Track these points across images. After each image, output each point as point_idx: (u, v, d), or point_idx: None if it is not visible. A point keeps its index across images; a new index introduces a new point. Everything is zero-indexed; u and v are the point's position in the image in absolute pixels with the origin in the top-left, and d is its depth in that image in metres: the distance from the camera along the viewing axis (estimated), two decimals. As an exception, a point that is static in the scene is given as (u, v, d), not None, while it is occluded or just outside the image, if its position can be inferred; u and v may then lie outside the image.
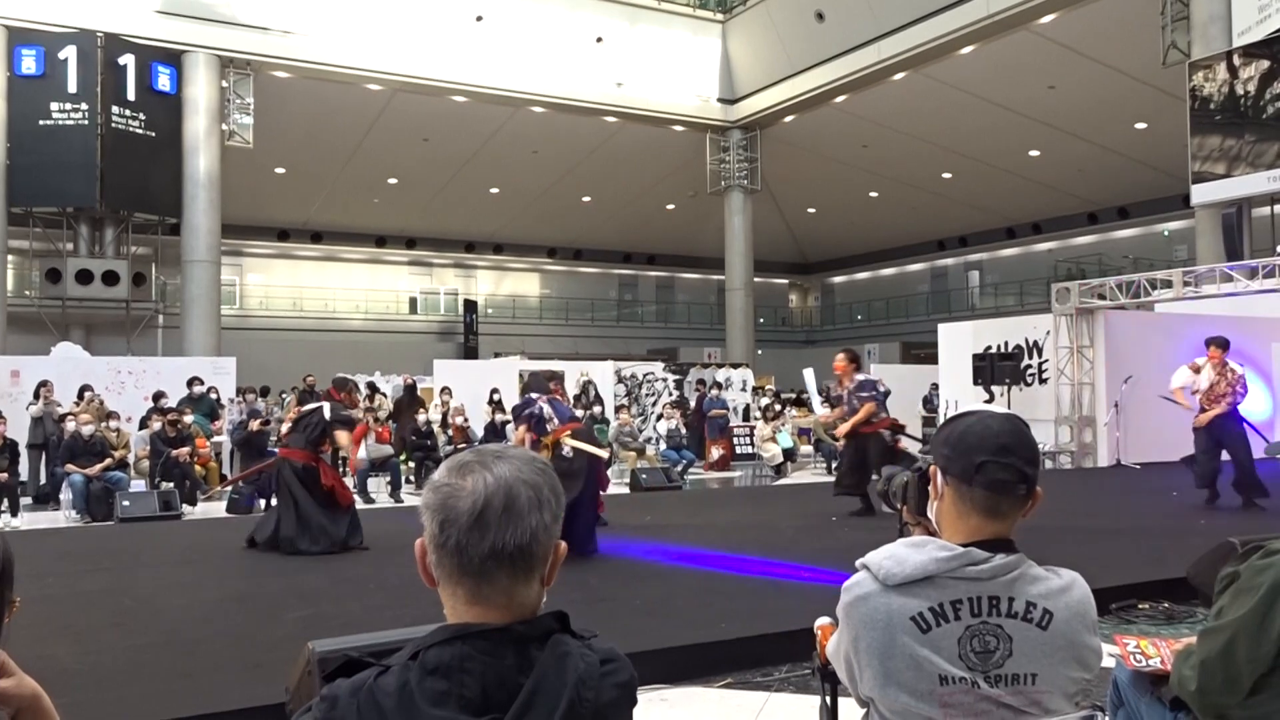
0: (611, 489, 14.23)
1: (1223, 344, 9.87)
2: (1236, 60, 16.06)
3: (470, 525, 1.22)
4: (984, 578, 1.67)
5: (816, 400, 12.97)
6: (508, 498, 1.23)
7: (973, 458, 1.72)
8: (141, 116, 20.45)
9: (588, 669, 1.21)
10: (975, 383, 15.15)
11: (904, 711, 1.66)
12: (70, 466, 11.14)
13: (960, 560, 1.68)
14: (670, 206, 32.42)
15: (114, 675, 4.46)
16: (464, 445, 13.05)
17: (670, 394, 19.06)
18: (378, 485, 12.92)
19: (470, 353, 31.78)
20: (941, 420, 2.10)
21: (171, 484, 11.60)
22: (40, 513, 11.64)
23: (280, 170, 27.24)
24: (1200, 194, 16.48)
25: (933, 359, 18.72)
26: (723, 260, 29.08)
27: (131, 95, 20.21)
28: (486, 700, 1.18)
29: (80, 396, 13.22)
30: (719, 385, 18.97)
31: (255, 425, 12.77)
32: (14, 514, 10.88)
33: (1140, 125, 23.53)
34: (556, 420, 7.77)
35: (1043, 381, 15.88)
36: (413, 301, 34.86)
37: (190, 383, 14.34)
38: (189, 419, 12.82)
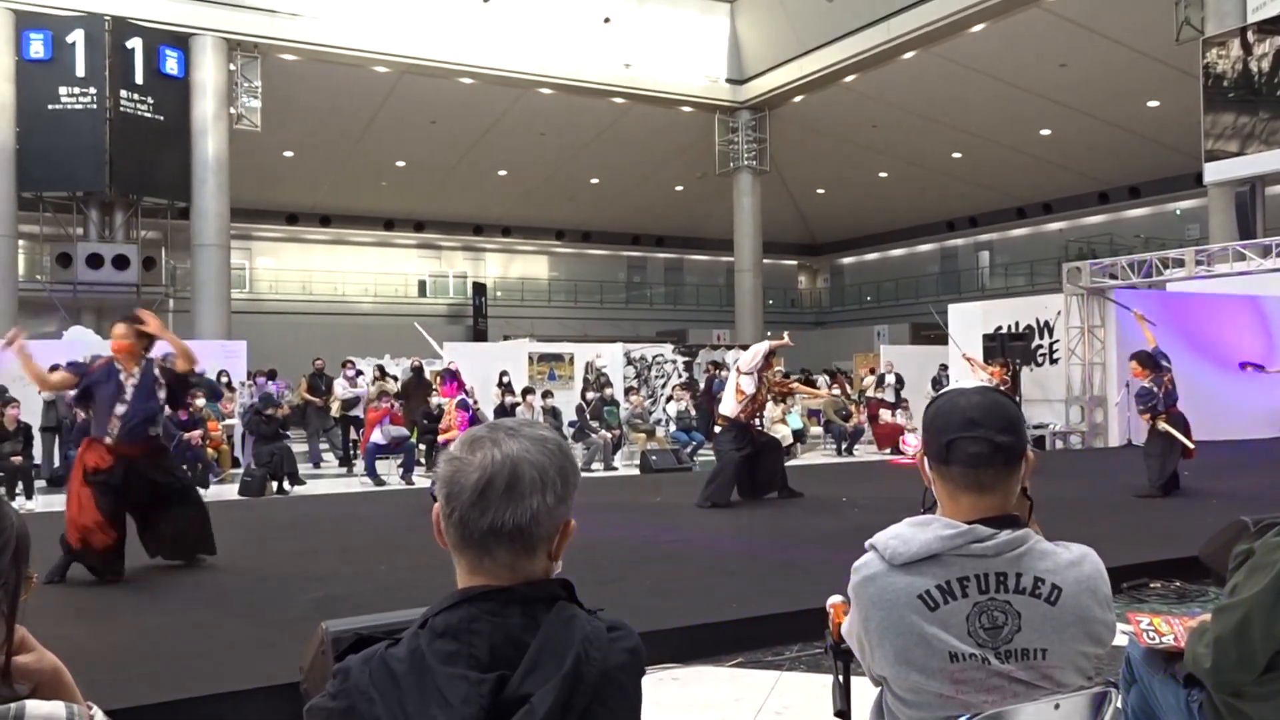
0: (621, 470, 14.35)
1: None
2: (1250, 37, 15.89)
3: (472, 501, 1.24)
4: (990, 554, 1.67)
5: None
6: (511, 476, 1.24)
7: (942, 438, 1.72)
8: (150, 100, 20.43)
9: (594, 631, 1.24)
10: (985, 362, 15.14)
11: (916, 689, 1.67)
12: (83, 449, 11.19)
13: (965, 538, 1.68)
14: (679, 188, 32.33)
15: (129, 655, 4.50)
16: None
17: (680, 376, 19.05)
18: (388, 467, 12.98)
19: (480, 335, 31.81)
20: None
21: (184, 467, 11.66)
22: (54, 495, 11.70)
23: (288, 154, 27.23)
24: (1213, 172, 16.36)
25: (942, 340, 18.67)
26: (731, 242, 29.01)
27: (139, 79, 20.19)
28: (495, 659, 1.20)
29: (92, 380, 13.26)
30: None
31: (285, 411, 12.89)
32: (28, 496, 10.96)
33: (1152, 103, 23.34)
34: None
35: (1053, 362, 15.83)
36: (421, 284, 34.89)
37: None
38: (200, 402, 12.88)
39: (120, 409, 6.12)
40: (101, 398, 6.15)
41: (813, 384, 19.06)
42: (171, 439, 11.82)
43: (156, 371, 6.31)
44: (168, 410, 7.21)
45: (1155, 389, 9.13)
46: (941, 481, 1.76)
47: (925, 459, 1.79)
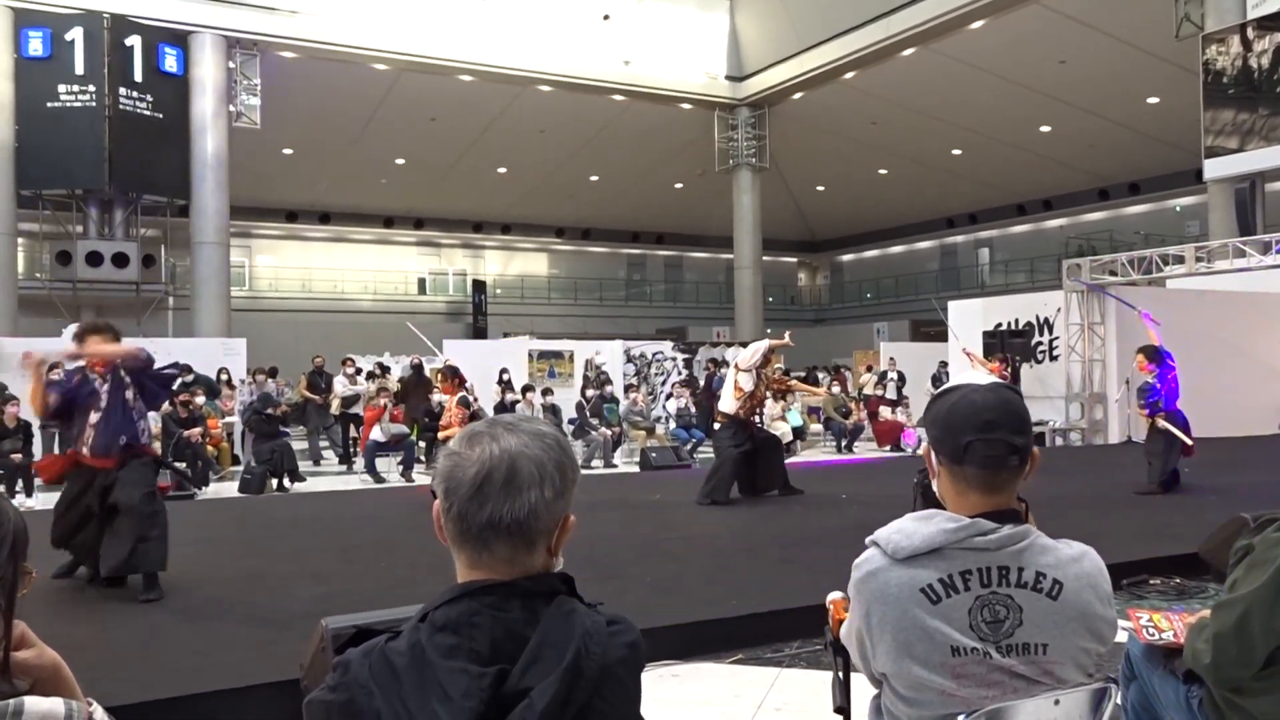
0: (621, 467, 14.35)
1: None
2: (1250, 33, 15.89)
3: (470, 495, 1.24)
4: (992, 548, 1.67)
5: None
6: (509, 471, 1.25)
7: (959, 438, 1.70)
8: (149, 98, 20.42)
9: (594, 625, 1.24)
10: (985, 358, 15.14)
11: (918, 684, 1.66)
12: (83, 447, 11.17)
13: (968, 531, 1.68)
14: (678, 185, 32.32)
15: (129, 652, 4.50)
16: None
17: (680, 373, 19.04)
18: (388, 465, 12.98)
19: (479, 333, 31.81)
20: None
21: (184, 464, 11.66)
22: (53, 493, 11.68)
23: (288, 151, 27.21)
24: (1213, 169, 16.35)
25: (942, 337, 18.66)
26: (731, 239, 29.01)
27: (139, 77, 20.18)
28: (495, 652, 1.20)
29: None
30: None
31: (284, 409, 12.89)
32: (28, 494, 10.95)
33: (1152, 99, 23.33)
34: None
35: (1053, 358, 15.83)
36: (421, 282, 34.90)
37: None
38: (200, 400, 12.87)
39: (94, 417, 5.84)
40: (80, 409, 5.86)
41: (815, 382, 19.05)
42: (171, 436, 11.85)
43: (123, 374, 5.92)
44: (152, 414, 7.00)
45: (1159, 385, 9.13)
46: (951, 479, 1.75)
47: (934, 454, 1.79)
